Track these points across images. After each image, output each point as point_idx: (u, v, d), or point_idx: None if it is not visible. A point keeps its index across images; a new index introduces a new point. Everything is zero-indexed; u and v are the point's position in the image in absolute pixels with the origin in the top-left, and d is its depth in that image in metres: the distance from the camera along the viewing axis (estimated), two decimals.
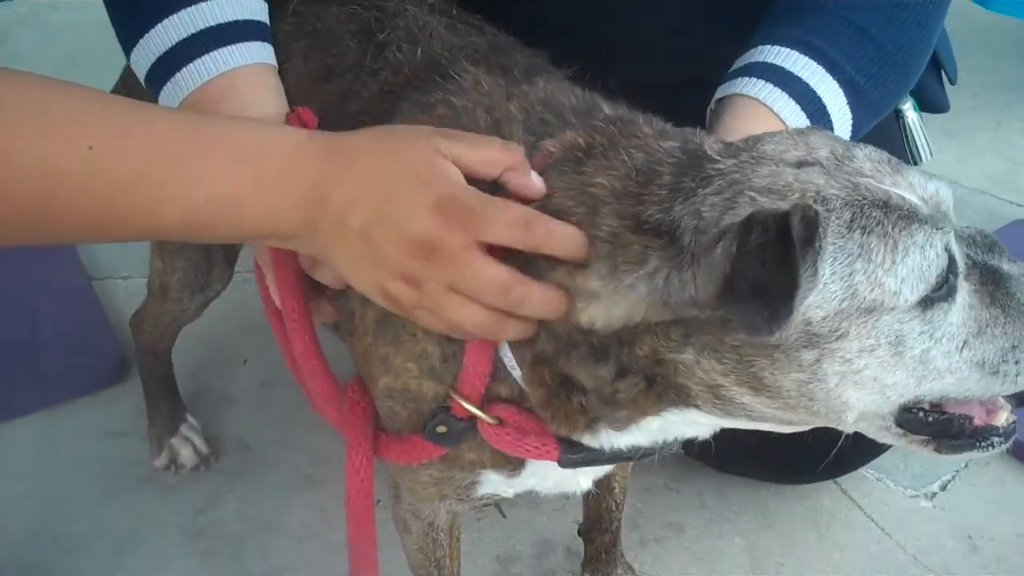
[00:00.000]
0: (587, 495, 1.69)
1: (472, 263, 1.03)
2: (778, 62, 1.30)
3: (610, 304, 1.02)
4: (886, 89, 1.37)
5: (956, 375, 1.01)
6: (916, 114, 1.85)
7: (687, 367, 1.02)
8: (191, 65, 1.27)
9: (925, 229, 0.97)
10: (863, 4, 1.35)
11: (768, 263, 0.91)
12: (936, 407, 1.05)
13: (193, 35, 1.27)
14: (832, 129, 1.31)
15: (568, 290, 1.04)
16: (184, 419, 2.08)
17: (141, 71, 1.31)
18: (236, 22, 1.30)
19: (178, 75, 1.28)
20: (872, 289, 0.96)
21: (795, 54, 1.30)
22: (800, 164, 1.01)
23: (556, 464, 1.16)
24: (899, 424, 1.04)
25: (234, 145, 1.04)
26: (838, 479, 1.99)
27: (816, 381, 0.98)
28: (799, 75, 1.29)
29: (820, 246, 0.95)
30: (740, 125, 1.26)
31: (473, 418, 1.14)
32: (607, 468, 1.37)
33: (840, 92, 1.31)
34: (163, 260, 1.78)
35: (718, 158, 1.03)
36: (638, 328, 1.02)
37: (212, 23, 1.28)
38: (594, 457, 1.16)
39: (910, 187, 1.01)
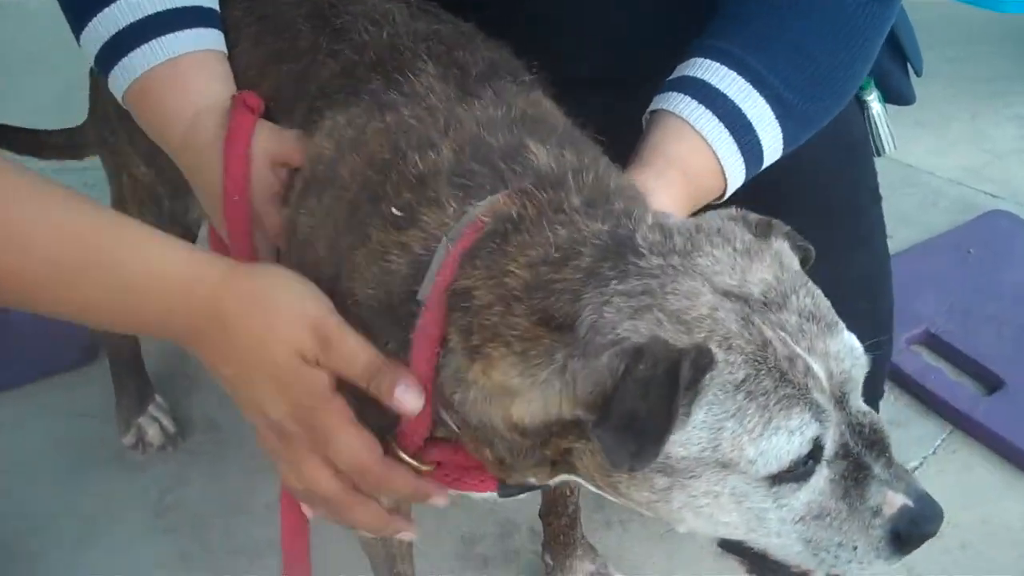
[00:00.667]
0: None
1: (335, 436, 1.07)
2: (707, 78, 1.30)
3: (530, 399, 1.00)
4: (819, 102, 1.38)
5: (782, 540, 1.03)
6: (881, 105, 1.86)
7: (579, 455, 1.03)
8: (138, 51, 1.27)
9: (803, 417, 0.97)
10: (800, 18, 1.35)
11: (648, 399, 0.92)
12: None
13: (140, 20, 1.28)
14: (760, 146, 1.32)
15: (490, 391, 1.02)
16: (152, 399, 2.08)
17: (89, 56, 1.32)
18: (183, 8, 1.30)
19: (125, 60, 1.28)
20: (733, 450, 0.97)
21: (724, 69, 1.30)
22: (726, 294, 0.99)
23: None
24: (720, 546, 1.09)
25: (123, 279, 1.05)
26: None
27: (663, 503, 1.01)
28: (726, 92, 1.29)
29: (701, 389, 0.95)
30: (664, 146, 1.27)
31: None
32: None
33: (767, 107, 1.31)
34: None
35: (645, 253, 1.01)
36: (558, 422, 1.01)
37: (160, 8, 1.28)
38: (530, 487, 1.17)
39: (824, 357, 1.01)
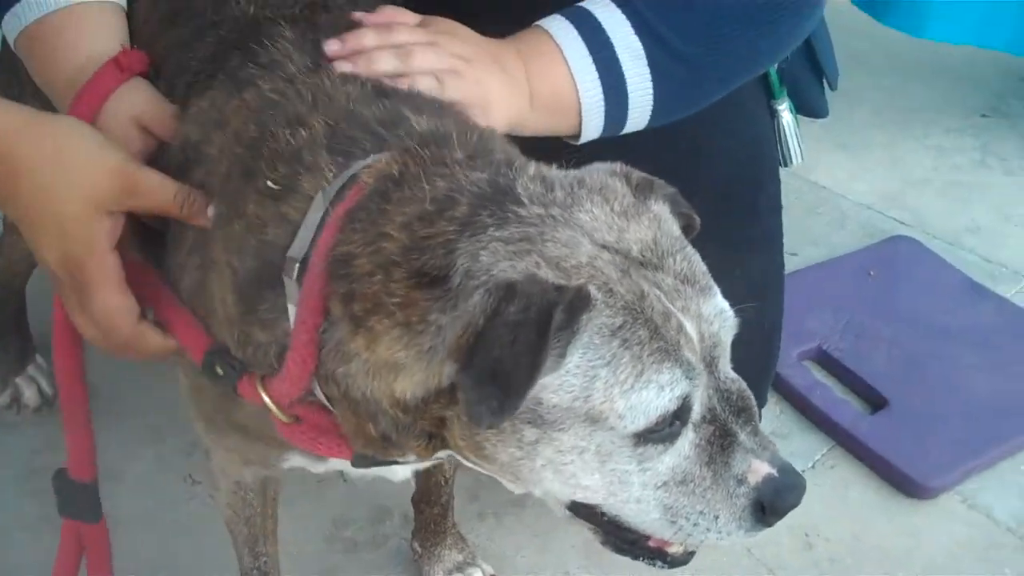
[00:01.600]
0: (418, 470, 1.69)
1: (95, 292, 1.13)
2: (586, 5, 1.34)
3: (413, 372, 0.97)
4: (704, 51, 1.37)
5: (641, 505, 1.02)
6: (792, 116, 1.87)
7: (451, 424, 1.01)
8: None
9: (674, 373, 0.96)
10: None
11: (516, 346, 0.90)
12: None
13: None
14: (621, 70, 1.33)
15: (374, 365, 1.00)
16: (32, 359, 2.05)
17: None
18: None
19: (18, 6, 1.27)
20: (604, 402, 0.96)
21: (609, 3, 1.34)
22: (605, 247, 0.99)
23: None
24: (570, 510, 1.07)
25: None
26: None
27: (527, 460, 0.99)
28: (591, 10, 1.32)
29: (577, 331, 0.94)
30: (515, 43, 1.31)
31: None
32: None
33: (627, 24, 1.32)
34: None
35: (525, 202, 1.00)
36: (436, 391, 0.98)
37: None
38: (387, 462, 1.16)
39: (698, 318, 1.00)
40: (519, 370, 0.91)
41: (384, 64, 1.19)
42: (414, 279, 0.97)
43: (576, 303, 0.93)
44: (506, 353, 0.90)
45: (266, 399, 1.10)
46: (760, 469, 1.01)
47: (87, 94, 1.23)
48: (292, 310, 1.05)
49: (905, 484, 2.00)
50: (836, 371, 2.23)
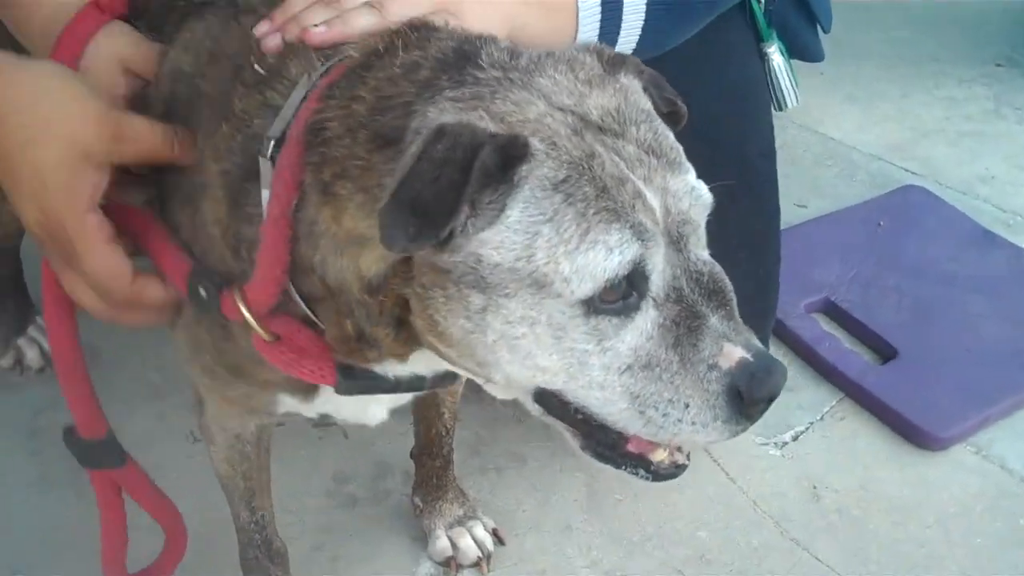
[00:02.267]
0: (418, 420, 1.68)
1: (83, 254, 1.08)
2: None
3: (376, 245, 0.95)
4: None
5: (605, 393, 0.97)
6: (783, 58, 1.83)
7: (413, 304, 0.99)
8: None
9: (624, 234, 0.92)
10: None
11: (439, 181, 0.88)
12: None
13: None
14: None
15: (341, 241, 0.99)
16: (33, 320, 2.04)
17: None
18: None
19: None
20: (548, 262, 0.92)
21: None
22: (561, 109, 0.96)
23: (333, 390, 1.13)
24: (537, 402, 1.03)
25: None
26: None
27: (479, 332, 0.96)
28: None
29: (518, 184, 0.91)
30: None
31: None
32: (404, 398, 1.34)
33: None
34: None
35: (485, 66, 0.98)
36: (396, 265, 0.97)
37: None
38: (374, 385, 1.13)
39: (662, 191, 0.96)
40: (440, 204, 0.88)
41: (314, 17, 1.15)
42: (374, 141, 0.96)
43: (511, 150, 0.90)
44: (428, 188, 0.88)
45: (245, 313, 1.07)
46: (733, 353, 0.95)
47: (67, 38, 1.20)
48: (266, 195, 1.03)
49: (916, 435, 1.97)
50: (844, 322, 2.20)
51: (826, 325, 2.19)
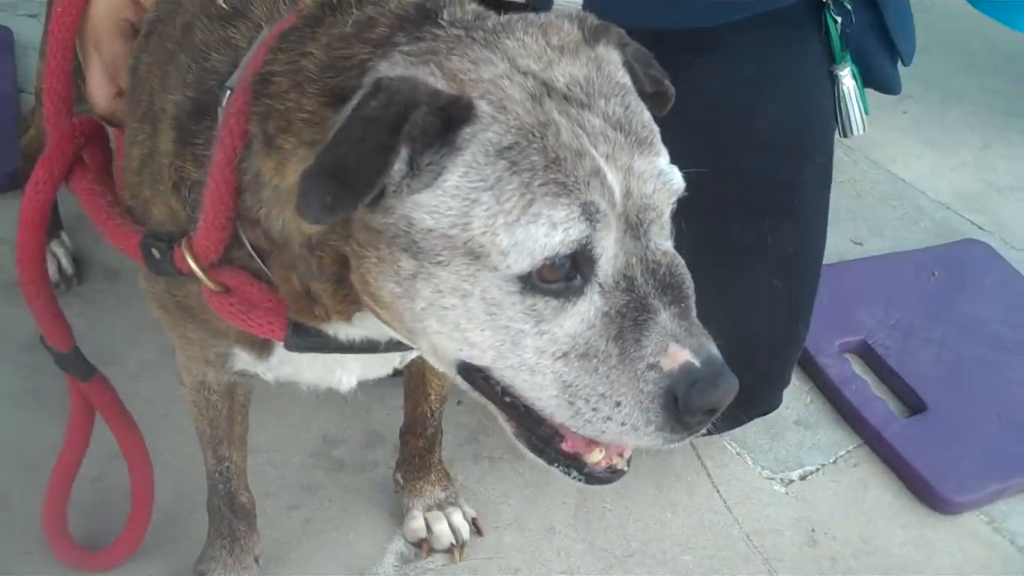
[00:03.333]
0: (406, 398, 1.64)
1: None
2: None
3: None
4: None
5: (536, 377, 0.92)
6: (855, 83, 1.77)
7: (351, 262, 0.95)
8: None
9: (571, 211, 0.86)
10: None
11: (365, 143, 0.83)
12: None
13: None
14: None
15: (285, 193, 0.96)
16: (57, 235, 2.03)
17: None
18: None
19: None
20: (484, 233, 0.87)
21: None
22: (524, 74, 0.91)
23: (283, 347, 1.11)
24: (461, 375, 0.98)
25: None
26: (696, 445, 1.91)
27: (407, 298, 0.91)
28: None
29: (459, 147, 0.86)
30: None
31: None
32: (380, 368, 1.31)
33: None
34: (44, 63, 1.72)
35: (445, 24, 0.94)
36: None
37: None
38: (324, 344, 1.10)
39: (626, 172, 0.90)
40: (362, 170, 0.84)
41: None
42: (326, 97, 0.92)
43: (452, 112, 0.85)
44: (353, 150, 0.84)
45: (191, 263, 1.05)
46: (678, 355, 0.89)
47: None
48: None
49: (929, 495, 1.89)
50: (877, 368, 2.11)
51: (857, 367, 2.11)
